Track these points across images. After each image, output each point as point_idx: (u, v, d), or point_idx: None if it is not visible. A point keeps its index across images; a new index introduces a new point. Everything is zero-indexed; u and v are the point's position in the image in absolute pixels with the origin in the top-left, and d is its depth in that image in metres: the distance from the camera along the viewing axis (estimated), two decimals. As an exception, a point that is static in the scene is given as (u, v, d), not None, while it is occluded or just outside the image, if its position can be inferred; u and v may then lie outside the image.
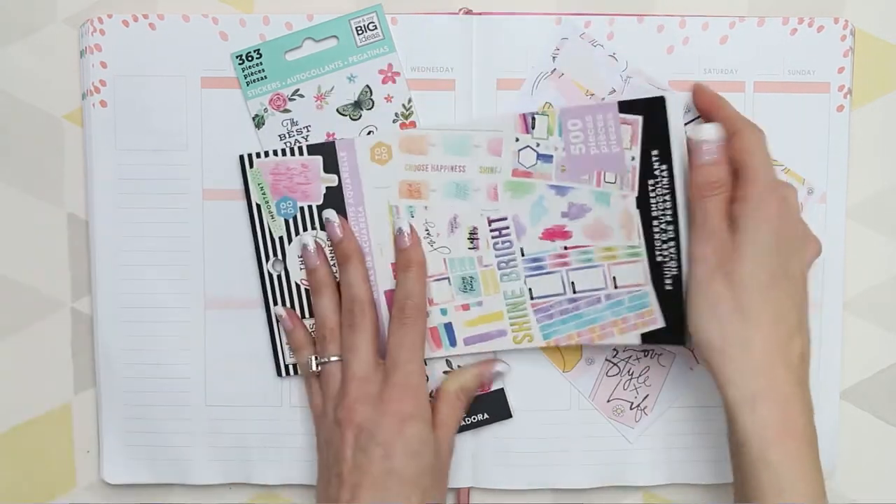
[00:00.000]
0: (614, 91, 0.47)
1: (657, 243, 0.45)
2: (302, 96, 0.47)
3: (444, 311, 0.47)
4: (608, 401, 0.49)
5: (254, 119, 0.47)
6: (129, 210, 0.48)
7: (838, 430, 0.49)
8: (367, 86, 0.47)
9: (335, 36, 0.47)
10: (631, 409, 0.49)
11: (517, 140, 0.46)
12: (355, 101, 0.47)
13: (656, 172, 0.44)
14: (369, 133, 0.47)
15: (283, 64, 0.47)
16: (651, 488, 0.50)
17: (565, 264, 0.46)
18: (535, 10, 0.48)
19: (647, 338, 0.46)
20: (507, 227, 0.46)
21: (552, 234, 0.46)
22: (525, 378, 0.49)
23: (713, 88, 0.46)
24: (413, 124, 0.47)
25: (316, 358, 0.46)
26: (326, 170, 0.46)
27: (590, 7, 0.48)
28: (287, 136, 0.47)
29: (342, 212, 0.47)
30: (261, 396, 0.49)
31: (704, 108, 0.45)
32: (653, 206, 0.45)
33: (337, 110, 0.47)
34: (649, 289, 0.46)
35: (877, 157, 0.49)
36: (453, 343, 0.47)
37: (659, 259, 0.45)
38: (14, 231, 0.49)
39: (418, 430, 0.43)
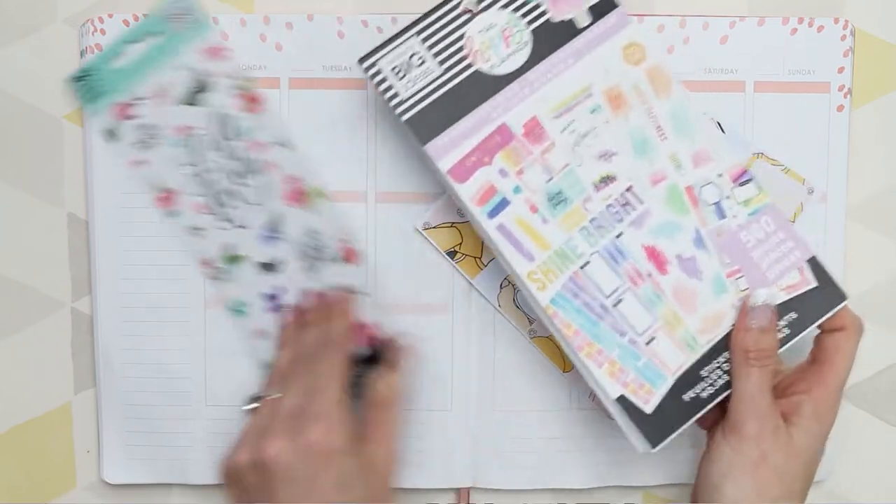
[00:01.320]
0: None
1: (716, 365, 0.43)
2: (142, 99, 0.47)
3: (517, 189, 0.43)
4: (608, 401, 0.49)
5: (106, 134, 0.47)
6: (129, 210, 0.48)
7: (838, 431, 0.49)
8: (200, 69, 0.47)
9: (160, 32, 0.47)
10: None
11: (719, 176, 0.43)
12: (195, 88, 0.47)
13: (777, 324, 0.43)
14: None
15: (113, 73, 0.47)
16: (651, 488, 0.50)
17: (633, 282, 0.43)
18: (536, 10, 0.48)
19: (623, 402, 0.42)
20: (632, 210, 0.43)
21: (654, 255, 0.43)
22: (525, 377, 0.49)
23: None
24: (253, 94, 0.47)
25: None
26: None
27: (590, 7, 0.48)
28: (147, 139, 0.47)
29: None
30: (261, 396, 0.49)
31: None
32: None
33: (180, 102, 0.47)
34: (671, 379, 0.43)
35: (877, 157, 0.49)
36: (492, 215, 0.43)
37: (703, 373, 0.43)
38: (14, 231, 0.49)
39: (346, 464, 0.40)
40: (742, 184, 0.43)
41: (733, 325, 0.43)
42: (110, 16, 0.47)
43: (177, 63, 0.46)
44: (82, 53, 0.47)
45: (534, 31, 0.43)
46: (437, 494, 0.50)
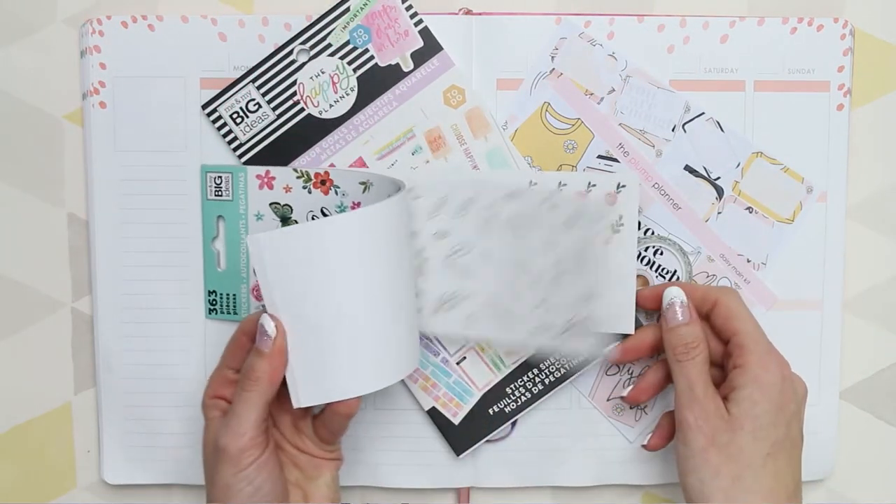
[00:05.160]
0: (613, 90, 0.47)
1: (521, 383, 0.48)
2: None
3: None
4: (608, 400, 0.49)
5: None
6: (129, 210, 0.48)
7: (838, 430, 0.49)
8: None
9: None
10: (631, 408, 0.49)
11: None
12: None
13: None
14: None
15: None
16: (651, 488, 0.50)
17: None
18: (535, 10, 0.47)
19: (434, 414, 0.48)
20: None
21: None
22: (525, 378, 0.49)
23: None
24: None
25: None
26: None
27: (590, 7, 0.48)
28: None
29: None
30: (261, 396, 0.49)
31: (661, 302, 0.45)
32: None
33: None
34: (478, 394, 0.48)
35: (877, 157, 0.49)
36: None
37: (508, 390, 0.48)
38: (14, 231, 0.49)
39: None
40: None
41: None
42: (109, 17, 0.47)
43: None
44: (82, 54, 0.47)
45: (360, 77, 0.46)
46: (438, 494, 0.50)
